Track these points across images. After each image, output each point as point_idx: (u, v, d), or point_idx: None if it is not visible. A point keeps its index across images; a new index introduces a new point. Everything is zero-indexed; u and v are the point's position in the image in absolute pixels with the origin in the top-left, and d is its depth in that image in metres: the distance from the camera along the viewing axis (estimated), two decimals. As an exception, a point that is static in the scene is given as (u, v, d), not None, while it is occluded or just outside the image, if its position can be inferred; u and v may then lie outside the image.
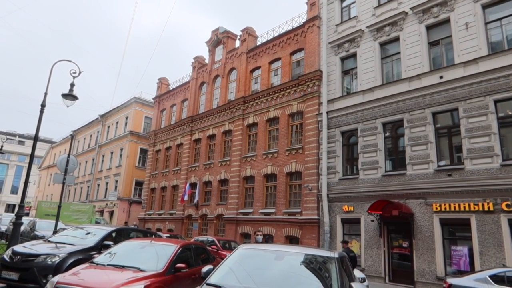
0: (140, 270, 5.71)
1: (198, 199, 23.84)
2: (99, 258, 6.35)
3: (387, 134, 15.07)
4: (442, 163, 13.11)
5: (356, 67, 16.81)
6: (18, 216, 10.67)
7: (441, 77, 13.48)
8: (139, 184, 33.45)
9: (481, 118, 12.18)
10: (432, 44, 14.45)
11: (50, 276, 6.40)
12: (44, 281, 6.57)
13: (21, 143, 67.43)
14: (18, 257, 7.21)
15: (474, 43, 12.91)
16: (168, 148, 29.60)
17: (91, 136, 43.87)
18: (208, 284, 4.12)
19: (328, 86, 17.52)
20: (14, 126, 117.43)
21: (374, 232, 14.28)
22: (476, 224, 11.70)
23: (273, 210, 18.75)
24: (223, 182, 22.90)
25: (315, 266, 4.64)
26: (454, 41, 13.54)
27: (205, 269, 4.68)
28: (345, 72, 17.55)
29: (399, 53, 15.26)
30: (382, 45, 16.04)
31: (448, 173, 12.61)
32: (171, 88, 31.94)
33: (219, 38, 26.40)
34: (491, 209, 11.43)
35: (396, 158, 14.61)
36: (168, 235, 19.07)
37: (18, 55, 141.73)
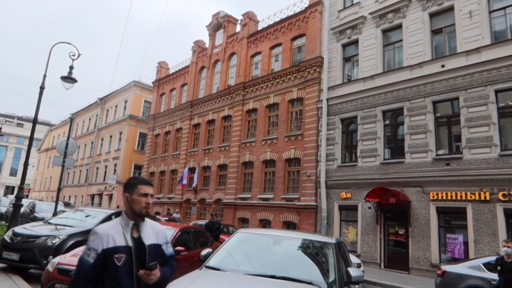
0: (139, 252, 5.77)
1: (197, 184, 23.97)
2: (98, 240, 6.40)
3: (387, 122, 15.06)
4: (440, 152, 13.15)
5: (357, 54, 16.67)
6: (18, 198, 10.74)
7: (442, 66, 13.39)
8: (138, 168, 33.54)
9: (481, 108, 12.17)
10: (435, 32, 14.30)
11: (51, 257, 6.47)
12: (45, 261, 6.63)
13: (19, 125, 67.15)
14: (19, 238, 7.28)
15: (477, 32, 12.77)
16: (167, 133, 29.57)
17: (90, 119, 43.72)
18: (207, 267, 4.18)
19: (329, 73, 17.40)
20: (14, 109, 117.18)
21: (371, 219, 14.44)
22: (472, 213, 11.83)
23: (271, 196, 18.88)
24: (222, 167, 22.98)
25: (313, 251, 4.72)
26: (457, 29, 13.40)
27: (204, 252, 4.74)
28: (346, 59, 17.40)
29: (401, 40, 15.11)
30: (385, 32, 15.87)
31: (446, 162, 12.67)
32: (170, 72, 31.68)
33: (220, 22, 26.04)
34: (488, 198, 11.54)
35: (395, 146, 14.64)
36: (167, 218, 19.20)
37: (31, 41, 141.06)
